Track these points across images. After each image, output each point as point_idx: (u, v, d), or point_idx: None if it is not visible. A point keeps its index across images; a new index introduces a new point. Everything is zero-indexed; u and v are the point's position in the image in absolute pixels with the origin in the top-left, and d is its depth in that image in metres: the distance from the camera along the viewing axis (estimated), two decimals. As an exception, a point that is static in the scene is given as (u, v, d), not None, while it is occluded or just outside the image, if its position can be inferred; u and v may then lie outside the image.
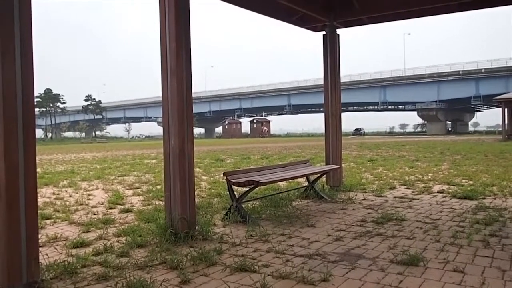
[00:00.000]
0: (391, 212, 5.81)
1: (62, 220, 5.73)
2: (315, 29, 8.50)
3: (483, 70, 71.08)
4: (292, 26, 8.30)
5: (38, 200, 4.39)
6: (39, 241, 3.83)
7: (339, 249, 4.13)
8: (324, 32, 8.20)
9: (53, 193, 8.38)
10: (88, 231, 5.06)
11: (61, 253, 4.12)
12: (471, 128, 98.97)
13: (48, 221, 5.68)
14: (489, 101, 66.37)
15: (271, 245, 4.29)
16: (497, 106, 61.39)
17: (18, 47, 3.10)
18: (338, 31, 8.26)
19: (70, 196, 7.96)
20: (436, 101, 76.49)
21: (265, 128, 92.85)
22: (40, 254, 3.32)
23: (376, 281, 3.22)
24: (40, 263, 3.29)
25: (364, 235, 4.62)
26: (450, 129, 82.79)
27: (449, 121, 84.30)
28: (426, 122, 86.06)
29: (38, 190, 3.65)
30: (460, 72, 73.61)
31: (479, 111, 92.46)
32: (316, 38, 8.37)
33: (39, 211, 5.73)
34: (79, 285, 3.23)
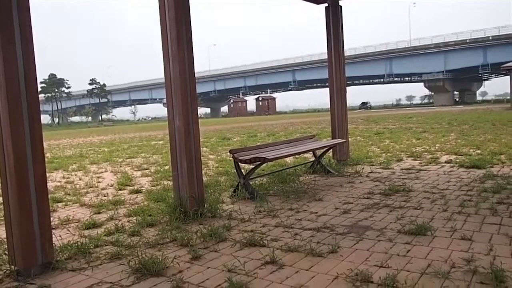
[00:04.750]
0: (398, 183, 5.82)
1: (73, 203, 5.83)
2: (317, 1, 8.35)
3: (490, 38, 69.63)
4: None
5: (49, 184, 4.48)
6: (52, 223, 3.91)
7: (347, 221, 4.17)
8: (326, 4, 8.07)
9: (63, 177, 8.48)
10: (99, 213, 5.14)
11: (74, 235, 4.20)
12: (479, 98, 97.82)
13: (59, 204, 5.77)
14: (497, 69, 65.29)
15: (280, 220, 4.34)
16: (505, 74, 60.44)
17: (18, 31, 3.09)
18: (341, 2, 8.13)
19: (80, 179, 8.06)
20: (443, 71, 75.43)
21: (267, 103, 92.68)
22: (53, 236, 3.38)
23: (384, 251, 3.25)
24: (54, 245, 3.37)
25: (371, 207, 4.65)
26: (457, 99, 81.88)
27: (457, 91, 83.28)
28: (433, 93, 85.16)
29: (48, 174, 3.72)
30: (467, 41, 72.23)
31: (487, 80, 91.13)
32: (320, 12, 8.23)
33: (50, 195, 5.84)
34: (92, 264, 3.31)
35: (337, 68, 8.09)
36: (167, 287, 2.81)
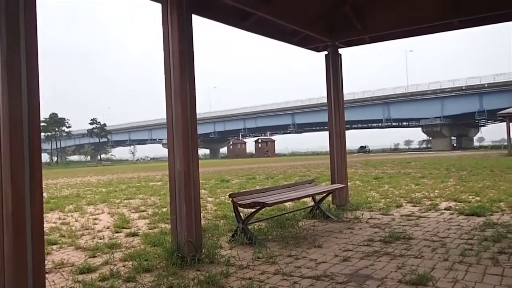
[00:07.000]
0: (399, 230, 5.76)
1: (68, 246, 5.73)
2: (317, 49, 8.59)
3: (486, 85, 71.05)
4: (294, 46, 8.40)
5: (44, 225, 4.41)
6: (46, 267, 3.83)
7: (347, 269, 4.09)
8: (326, 52, 8.29)
9: (59, 218, 8.38)
10: (94, 256, 5.05)
11: (67, 279, 4.11)
12: (476, 143, 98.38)
13: (54, 247, 5.67)
14: (493, 115, 66.19)
15: (278, 267, 4.26)
16: (501, 121, 61.27)
17: (24, 73, 3.15)
18: (340, 50, 8.34)
19: (76, 221, 7.96)
20: (440, 117, 76.38)
21: (266, 145, 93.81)
22: (46, 281, 3.31)
23: (385, 302, 3.18)
24: (47, 290, 3.28)
25: (371, 255, 4.58)
26: (455, 145, 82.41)
27: (454, 136, 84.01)
28: (431, 138, 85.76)
29: (44, 215, 3.69)
30: (463, 88, 73.65)
31: (483, 126, 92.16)
32: (319, 57, 8.44)
33: (45, 237, 5.74)
34: (86, 311, 3.21)
35: (336, 113, 8.20)
36: (162, 337, 2.71)
